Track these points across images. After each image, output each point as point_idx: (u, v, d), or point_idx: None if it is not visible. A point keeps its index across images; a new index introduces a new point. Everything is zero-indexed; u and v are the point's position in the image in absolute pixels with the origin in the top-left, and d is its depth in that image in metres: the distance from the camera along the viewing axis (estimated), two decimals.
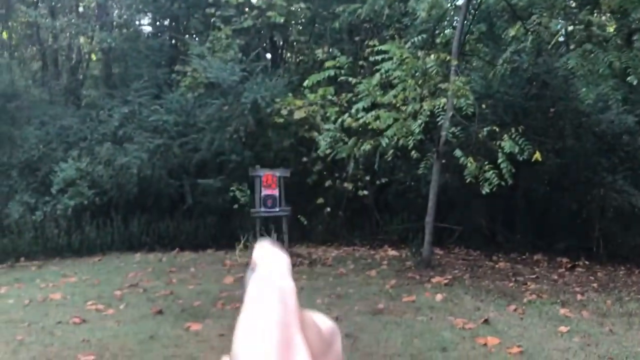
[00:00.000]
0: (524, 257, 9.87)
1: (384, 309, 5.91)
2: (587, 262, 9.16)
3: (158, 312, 5.87)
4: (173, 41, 15.77)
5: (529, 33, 9.39)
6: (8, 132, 11.56)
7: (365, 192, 10.64)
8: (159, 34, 15.73)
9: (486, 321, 5.37)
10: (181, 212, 11.39)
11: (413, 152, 7.96)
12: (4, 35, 15.33)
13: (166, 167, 11.34)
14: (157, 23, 16.82)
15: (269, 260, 0.44)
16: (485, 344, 4.68)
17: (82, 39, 14.55)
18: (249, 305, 0.40)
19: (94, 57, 16.30)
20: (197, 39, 15.05)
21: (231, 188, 10.76)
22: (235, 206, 10.74)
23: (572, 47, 10.74)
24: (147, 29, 16.71)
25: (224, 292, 6.69)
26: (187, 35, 15.75)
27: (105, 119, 12.16)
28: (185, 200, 11.35)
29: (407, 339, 4.87)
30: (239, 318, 0.40)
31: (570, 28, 10.56)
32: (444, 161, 8.44)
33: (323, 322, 0.43)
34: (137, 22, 15.93)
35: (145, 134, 11.54)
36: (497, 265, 8.86)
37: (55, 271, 8.95)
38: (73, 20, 13.35)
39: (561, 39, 11.18)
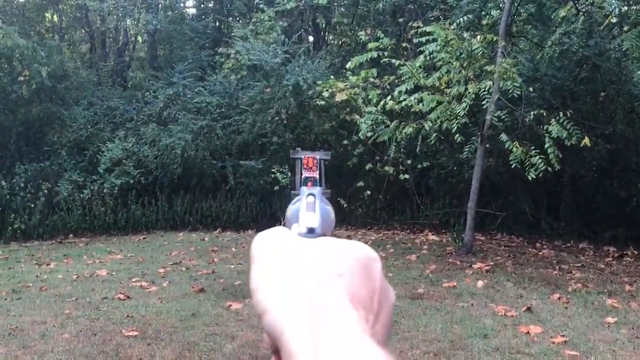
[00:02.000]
0: (568, 244, 9.63)
1: (424, 294, 5.87)
2: (635, 252, 8.85)
3: (200, 290, 5.99)
4: (217, 23, 15.89)
5: (580, 14, 9.05)
6: (58, 112, 11.90)
7: (406, 176, 10.54)
8: (203, 16, 15.86)
9: (529, 309, 5.27)
10: (223, 192, 11.55)
11: (457, 135, 7.82)
12: (55, 18, 15.73)
13: (209, 148, 11.50)
14: (202, 5, 16.98)
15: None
16: (527, 333, 4.59)
17: (128, 22, 14.80)
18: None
19: (139, 39, 16.58)
20: (240, 21, 15.12)
21: (272, 170, 10.84)
22: (276, 187, 10.82)
23: (625, 28, 10.32)
24: (192, 11, 16.90)
25: None
26: (230, 18, 15.84)
27: (151, 100, 12.40)
28: (228, 181, 11.49)
29: (447, 324, 4.82)
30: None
31: (624, 8, 10.13)
32: (488, 145, 8.27)
33: (357, 250, 0.42)
34: (181, 5, 16.12)
35: (189, 115, 11.71)
36: (540, 253, 8.67)
37: (101, 248, 9.23)
38: (120, 3, 13.56)
39: (614, 20, 10.74)
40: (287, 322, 0.36)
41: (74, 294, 5.90)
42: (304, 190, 0.55)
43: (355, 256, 0.41)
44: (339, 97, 10.28)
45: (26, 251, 9.22)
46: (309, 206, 0.51)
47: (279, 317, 0.37)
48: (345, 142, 11.12)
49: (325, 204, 0.55)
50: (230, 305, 5.37)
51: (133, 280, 6.54)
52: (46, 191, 10.99)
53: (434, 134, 8.27)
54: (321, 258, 0.41)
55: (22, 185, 10.90)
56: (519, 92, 7.59)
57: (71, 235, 10.80)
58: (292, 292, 0.38)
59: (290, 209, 0.55)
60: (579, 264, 7.73)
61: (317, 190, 0.54)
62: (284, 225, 0.53)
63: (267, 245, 0.44)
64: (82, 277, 6.74)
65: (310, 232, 0.47)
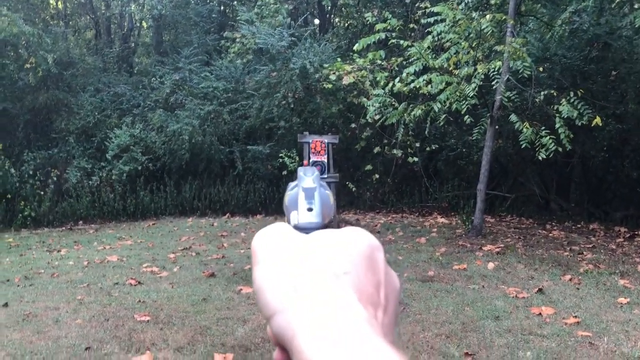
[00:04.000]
0: (579, 225, 9.58)
1: (434, 277, 5.85)
2: None
3: (210, 275, 6.01)
4: (222, 7, 15.77)
5: None
6: (65, 99, 11.90)
7: (415, 159, 10.48)
8: (208, 0, 15.74)
9: (540, 290, 5.25)
10: (231, 178, 11.55)
11: (466, 117, 7.74)
12: (59, 4, 15.66)
13: (216, 134, 11.47)
14: None
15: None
16: (539, 314, 4.57)
17: (133, 7, 14.71)
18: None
19: (144, 24, 16.49)
20: (245, 4, 14.99)
21: (280, 154, 10.81)
22: (284, 172, 10.80)
23: (636, 5, 10.15)
24: None
25: None
26: (235, 1, 15.71)
27: (157, 86, 12.36)
28: (236, 166, 11.48)
29: (459, 307, 4.81)
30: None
31: None
32: (497, 127, 8.19)
33: (359, 241, 0.42)
34: None
35: (196, 100, 11.67)
36: (550, 234, 8.63)
37: (111, 234, 9.27)
38: None
39: None
40: (299, 325, 0.36)
41: (86, 280, 5.92)
42: (300, 171, 0.53)
43: (358, 249, 0.41)
44: (346, 80, 10.19)
45: (37, 238, 9.27)
46: (308, 194, 0.50)
47: (290, 320, 0.36)
48: (353, 125, 11.06)
49: (325, 189, 0.54)
50: (241, 289, 5.38)
51: (144, 265, 6.56)
52: (55, 178, 11.04)
53: (443, 116, 8.20)
54: (325, 256, 0.40)
55: (31, 172, 10.95)
56: (529, 72, 7.50)
57: (81, 221, 10.86)
58: (301, 293, 0.37)
59: (288, 194, 0.54)
60: (590, 245, 7.69)
61: (315, 175, 0.53)
62: (285, 208, 0.52)
63: (269, 244, 0.42)
64: (92, 263, 6.78)
65: (311, 226, 0.47)
